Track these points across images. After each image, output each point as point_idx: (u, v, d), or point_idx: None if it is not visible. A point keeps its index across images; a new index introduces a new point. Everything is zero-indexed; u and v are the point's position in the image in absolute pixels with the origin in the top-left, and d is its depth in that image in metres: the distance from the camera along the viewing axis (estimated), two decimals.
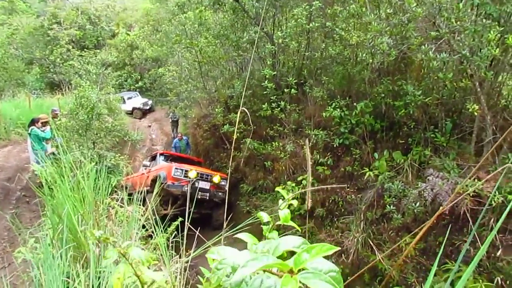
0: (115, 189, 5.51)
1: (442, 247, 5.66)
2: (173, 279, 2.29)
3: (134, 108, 24.96)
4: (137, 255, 1.26)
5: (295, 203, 1.48)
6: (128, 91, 27.47)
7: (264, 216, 1.46)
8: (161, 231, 4.26)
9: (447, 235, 5.78)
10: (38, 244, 3.69)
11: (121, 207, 4.45)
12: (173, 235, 4.21)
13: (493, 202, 4.83)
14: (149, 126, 22.94)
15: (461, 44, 5.02)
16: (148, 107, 25.73)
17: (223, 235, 2.26)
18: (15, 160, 11.75)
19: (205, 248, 2.77)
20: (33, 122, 9.78)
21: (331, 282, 0.76)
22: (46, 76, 25.99)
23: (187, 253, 3.44)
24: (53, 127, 8.34)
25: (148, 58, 28.30)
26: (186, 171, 9.78)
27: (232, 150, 6.14)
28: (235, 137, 2.77)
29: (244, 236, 1.42)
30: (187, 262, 3.04)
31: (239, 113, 2.06)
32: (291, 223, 1.48)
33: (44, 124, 10.26)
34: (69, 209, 3.56)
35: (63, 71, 20.78)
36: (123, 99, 24.26)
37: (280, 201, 1.48)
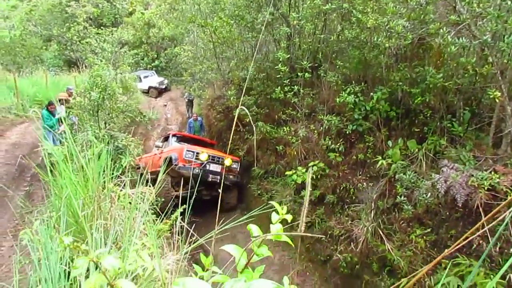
0: (125, 170, 5.50)
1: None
2: (163, 276, 2.23)
3: (150, 87, 25.00)
4: (110, 265, 1.17)
5: (289, 218, 1.39)
6: (144, 69, 27.49)
7: (253, 229, 1.36)
8: (165, 217, 4.22)
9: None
10: (43, 226, 3.68)
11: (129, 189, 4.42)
12: (185, 216, 4.18)
13: (509, 196, 4.63)
14: (165, 106, 22.99)
15: (482, 30, 4.75)
16: (164, 86, 25.74)
17: (215, 232, 2.18)
18: (31, 137, 11.90)
19: (206, 239, 2.71)
20: (48, 104, 9.85)
21: None
22: (63, 54, 26.12)
23: (190, 241, 3.39)
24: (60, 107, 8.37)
25: (165, 37, 28.19)
26: (198, 153, 9.75)
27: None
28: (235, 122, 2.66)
29: (231, 249, 1.33)
30: (186, 253, 3.00)
31: (236, 112, 1.95)
32: (285, 238, 1.38)
33: (62, 102, 10.35)
34: (71, 192, 3.53)
35: (80, 49, 20.83)
36: (140, 77, 24.31)
37: (274, 214, 1.37)
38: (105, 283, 1.19)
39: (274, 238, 1.31)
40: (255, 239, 1.36)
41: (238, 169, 10.65)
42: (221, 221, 2.81)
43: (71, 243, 1.17)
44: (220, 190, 10.48)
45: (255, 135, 10.23)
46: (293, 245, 1.45)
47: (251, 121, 9.26)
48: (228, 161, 10.18)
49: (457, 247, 1.21)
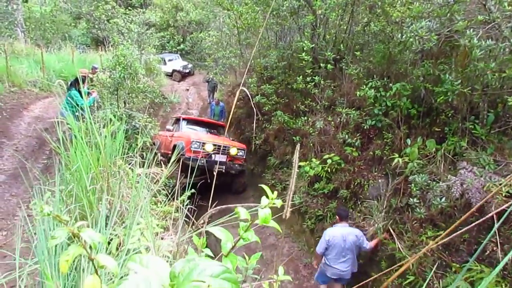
0: (142, 149, 5.53)
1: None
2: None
3: (174, 71, 25.15)
4: (89, 238, 1.15)
5: (278, 203, 1.34)
6: (169, 52, 27.62)
7: (242, 212, 1.32)
8: (174, 199, 4.23)
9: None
10: (53, 198, 3.73)
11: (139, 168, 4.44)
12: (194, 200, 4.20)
13: None
14: (187, 90, 23.09)
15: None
16: (187, 71, 25.86)
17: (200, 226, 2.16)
18: (54, 112, 12.12)
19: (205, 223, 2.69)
20: (76, 81, 9.84)
21: None
22: (91, 32, 26.46)
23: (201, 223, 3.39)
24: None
25: (191, 21, 28.23)
26: (204, 143, 9.79)
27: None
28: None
29: (217, 231, 1.31)
30: (190, 236, 2.99)
31: (235, 98, 1.92)
32: (273, 224, 1.34)
33: (84, 79, 10.44)
34: (81, 166, 3.56)
35: (108, 28, 21.03)
36: (164, 60, 24.47)
37: (263, 198, 1.34)
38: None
39: (262, 223, 1.27)
40: (246, 222, 1.33)
41: (244, 156, 10.68)
42: (229, 202, 2.82)
43: (50, 212, 1.15)
44: (228, 176, 10.48)
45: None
46: (280, 231, 1.42)
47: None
48: (233, 151, 10.22)
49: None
